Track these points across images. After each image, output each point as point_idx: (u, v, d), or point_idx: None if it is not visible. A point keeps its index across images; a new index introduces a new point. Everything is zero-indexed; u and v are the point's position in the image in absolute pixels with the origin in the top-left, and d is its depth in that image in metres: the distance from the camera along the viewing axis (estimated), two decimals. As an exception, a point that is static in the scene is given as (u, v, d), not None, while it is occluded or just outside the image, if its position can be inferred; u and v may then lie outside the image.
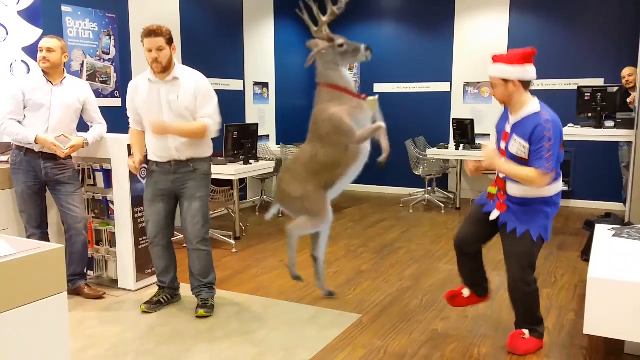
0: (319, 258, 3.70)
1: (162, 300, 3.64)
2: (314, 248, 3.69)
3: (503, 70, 2.77)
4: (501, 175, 2.94)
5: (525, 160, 2.78)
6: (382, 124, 3.25)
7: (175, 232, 5.01)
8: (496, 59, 2.82)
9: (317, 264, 3.72)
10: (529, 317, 2.99)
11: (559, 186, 2.90)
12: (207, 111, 3.36)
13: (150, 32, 3.24)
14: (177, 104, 3.32)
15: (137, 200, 3.84)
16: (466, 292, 3.27)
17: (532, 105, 2.79)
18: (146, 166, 3.62)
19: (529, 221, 2.86)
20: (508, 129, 2.88)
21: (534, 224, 2.86)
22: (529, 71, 2.76)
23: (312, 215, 3.44)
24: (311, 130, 3.38)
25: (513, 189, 2.88)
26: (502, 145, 2.91)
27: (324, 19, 3.27)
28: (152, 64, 3.27)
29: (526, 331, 2.99)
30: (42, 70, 3.58)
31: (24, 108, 3.52)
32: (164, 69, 3.30)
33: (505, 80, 2.77)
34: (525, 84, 2.78)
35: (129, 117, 3.52)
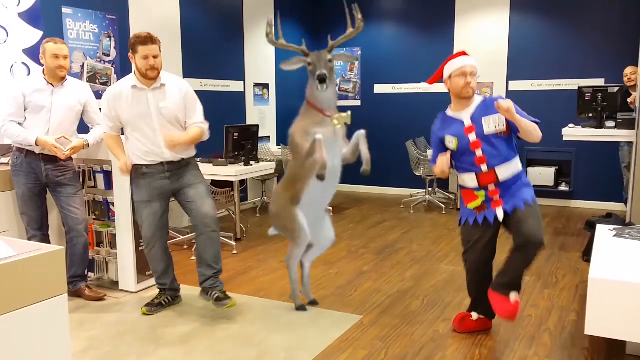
0: (305, 265, 3.68)
1: (163, 302, 3.63)
2: (304, 254, 3.64)
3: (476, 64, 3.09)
4: (485, 170, 2.97)
5: (505, 133, 2.96)
6: (318, 136, 3.10)
7: (173, 234, 5.04)
8: (467, 53, 3.11)
9: (302, 270, 3.67)
10: (526, 270, 3.04)
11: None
12: (198, 118, 3.49)
13: (147, 40, 3.27)
14: (168, 111, 3.36)
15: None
16: (475, 315, 3.27)
17: (476, 96, 3.09)
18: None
19: (527, 193, 3.00)
20: (468, 122, 3.02)
21: (529, 194, 3.01)
22: None
23: (290, 231, 3.47)
24: None
25: (505, 172, 2.97)
26: (472, 137, 2.99)
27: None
28: (148, 70, 3.29)
29: (513, 294, 2.97)
30: (43, 72, 3.58)
31: (25, 110, 3.52)
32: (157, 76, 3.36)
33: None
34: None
35: (103, 122, 3.50)
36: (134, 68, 3.38)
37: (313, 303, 3.71)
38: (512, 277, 3.00)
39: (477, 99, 3.07)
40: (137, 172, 3.49)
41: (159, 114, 3.35)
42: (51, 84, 3.57)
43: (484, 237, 3.08)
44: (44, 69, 3.59)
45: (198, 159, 3.69)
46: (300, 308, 3.61)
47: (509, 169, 2.96)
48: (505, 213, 2.98)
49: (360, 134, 3.30)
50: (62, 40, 3.64)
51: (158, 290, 3.71)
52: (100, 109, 3.83)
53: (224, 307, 3.45)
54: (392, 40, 8.05)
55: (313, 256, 3.71)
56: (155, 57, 3.29)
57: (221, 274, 3.58)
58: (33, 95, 3.51)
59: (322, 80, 3.10)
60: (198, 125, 3.46)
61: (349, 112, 3.23)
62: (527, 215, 2.94)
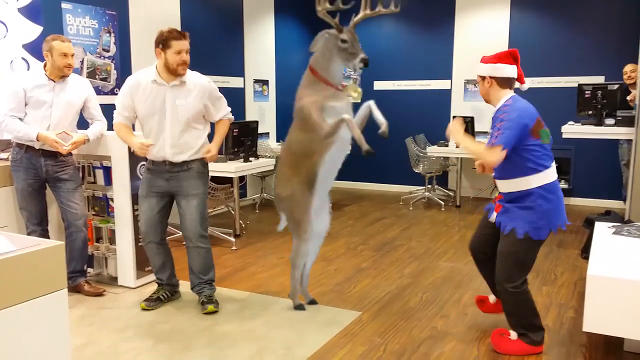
0: (307, 264, 3.62)
1: (161, 297, 3.64)
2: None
3: (479, 69, 2.94)
4: (492, 174, 2.98)
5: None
6: (346, 116, 3.08)
7: (173, 230, 5.04)
8: (481, 59, 2.98)
9: (303, 269, 3.61)
10: (518, 320, 2.94)
11: (546, 177, 2.82)
12: (224, 111, 3.56)
13: (181, 35, 3.27)
14: (184, 109, 3.34)
15: (137, 198, 3.83)
16: (492, 298, 3.28)
17: (504, 99, 2.87)
18: (145, 163, 3.67)
19: (516, 219, 2.83)
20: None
21: (521, 221, 2.82)
22: (500, 69, 2.86)
23: (296, 222, 3.36)
24: (293, 116, 3.33)
25: (503, 186, 2.92)
26: None
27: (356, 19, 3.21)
28: (179, 66, 3.28)
29: (513, 333, 2.96)
30: (44, 68, 3.58)
31: (25, 105, 3.52)
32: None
33: (482, 78, 2.92)
34: (500, 81, 2.87)
35: (116, 110, 3.45)
36: (158, 63, 3.33)
37: (312, 302, 3.68)
38: (504, 312, 3.01)
39: (502, 101, 2.87)
40: (146, 166, 3.54)
41: (174, 112, 3.34)
42: (52, 80, 3.56)
43: (483, 225, 3.12)
44: (45, 65, 3.58)
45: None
46: (299, 307, 3.58)
47: (504, 185, 2.89)
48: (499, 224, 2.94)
49: (371, 103, 3.24)
50: (67, 38, 3.64)
51: (156, 285, 3.72)
52: (105, 103, 3.83)
53: (203, 311, 3.50)
54: (392, 37, 8.05)
55: (314, 253, 3.65)
56: (187, 52, 3.30)
57: (211, 284, 3.62)
58: (34, 90, 3.51)
59: (367, 63, 3.12)
60: (225, 117, 3.56)
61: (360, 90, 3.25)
62: (500, 249, 2.92)
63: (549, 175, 2.84)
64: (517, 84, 2.94)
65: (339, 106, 3.15)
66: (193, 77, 3.41)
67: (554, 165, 2.88)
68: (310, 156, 3.23)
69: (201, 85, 3.41)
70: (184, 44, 3.28)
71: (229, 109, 3.60)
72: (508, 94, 2.88)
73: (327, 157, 3.23)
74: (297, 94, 3.25)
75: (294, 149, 3.30)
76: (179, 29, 5.95)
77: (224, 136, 3.59)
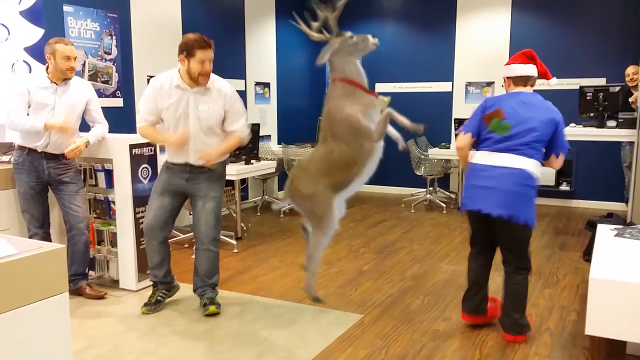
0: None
1: (159, 298, 3.62)
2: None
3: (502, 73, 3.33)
4: None
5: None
6: (389, 109, 3.21)
7: (174, 233, 5.04)
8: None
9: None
10: None
11: (474, 157, 3.17)
12: (238, 126, 3.44)
13: (207, 44, 3.23)
14: (206, 115, 3.33)
15: (138, 201, 3.84)
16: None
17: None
18: (147, 166, 3.67)
19: None
20: None
21: None
22: (511, 69, 3.21)
23: (318, 218, 3.34)
24: (324, 128, 3.31)
25: None
26: None
27: (333, 15, 3.23)
28: (201, 76, 3.24)
29: None
30: (46, 70, 3.58)
31: (28, 107, 3.52)
32: None
33: (504, 80, 3.27)
34: (514, 80, 3.19)
35: (140, 115, 3.40)
36: (181, 69, 3.31)
37: (317, 300, 3.62)
38: None
39: None
40: (164, 165, 3.53)
41: (197, 117, 3.32)
42: (55, 83, 3.56)
43: None
44: (47, 68, 3.58)
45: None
46: (316, 300, 3.56)
47: None
48: None
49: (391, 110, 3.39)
50: (70, 41, 3.64)
51: (152, 286, 3.70)
52: (97, 107, 3.82)
53: (204, 312, 3.49)
54: (394, 39, 8.04)
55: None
56: (210, 62, 3.26)
57: (214, 287, 3.61)
58: (37, 92, 3.51)
59: (375, 36, 3.27)
60: (238, 132, 3.45)
61: (389, 98, 3.38)
62: None
63: (475, 156, 3.16)
64: (544, 81, 3.29)
65: (374, 114, 3.26)
66: (217, 83, 3.39)
67: (483, 153, 3.11)
68: (351, 166, 3.25)
69: (224, 93, 3.38)
70: (209, 54, 3.24)
71: (245, 127, 3.49)
72: (515, 89, 3.17)
73: (366, 170, 3.29)
74: (333, 106, 3.24)
75: (334, 156, 3.26)
76: (180, 31, 6.02)
77: (228, 149, 3.47)
